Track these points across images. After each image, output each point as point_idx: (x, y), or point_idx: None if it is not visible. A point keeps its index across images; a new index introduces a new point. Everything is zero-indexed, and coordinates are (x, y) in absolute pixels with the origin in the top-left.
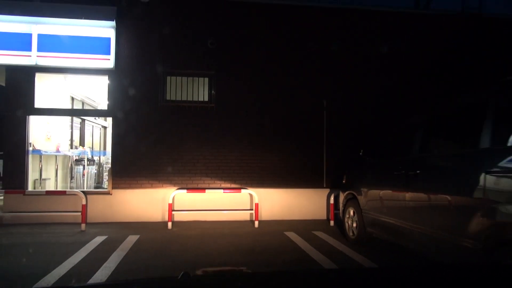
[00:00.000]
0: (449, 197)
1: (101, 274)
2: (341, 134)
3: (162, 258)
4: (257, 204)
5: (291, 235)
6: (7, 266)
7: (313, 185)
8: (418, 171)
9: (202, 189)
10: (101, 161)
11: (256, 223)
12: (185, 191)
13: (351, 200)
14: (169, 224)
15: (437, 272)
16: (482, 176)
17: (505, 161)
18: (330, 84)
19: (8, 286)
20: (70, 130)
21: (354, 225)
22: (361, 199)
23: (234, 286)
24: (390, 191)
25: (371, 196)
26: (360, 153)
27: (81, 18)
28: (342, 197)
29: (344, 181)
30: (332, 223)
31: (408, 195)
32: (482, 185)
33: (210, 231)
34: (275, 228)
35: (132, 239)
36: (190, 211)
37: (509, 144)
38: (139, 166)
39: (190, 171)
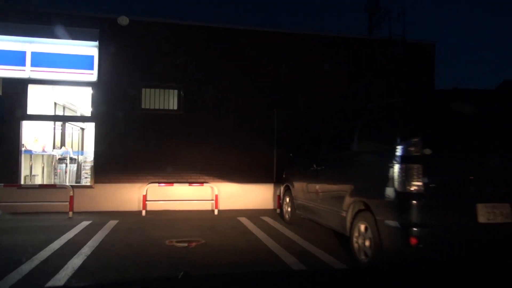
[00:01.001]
0: (337, 185)
1: (91, 245)
2: (287, 137)
3: (138, 234)
4: (217, 195)
5: (243, 219)
6: (18, 241)
7: (265, 180)
8: (323, 167)
9: (171, 183)
10: (79, 160)
11: (216, 211)
12: (157, 184)
13: (287, 191)
14: (143, 211)
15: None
16: (351, 170)
17: (364, 160)
18: (280, 96)
19: (25, 251)
20: (53, 132)
21: (289, 209)
22: (293, 189)
23: (234, 287)
24: (308, 182)
25: (298, 186)
26: (291, 154)
27: (68, 39)
28: (281, 188)
29: (283, 176)
30: (278, 210)
31: (317, 184)
32: (350, 176)
33: (178, 217)
34: (231, 215)
35: (112, 222)
36: (161, 201)
37: (364, 150)
38: (119, 164)
39: (162, 168)
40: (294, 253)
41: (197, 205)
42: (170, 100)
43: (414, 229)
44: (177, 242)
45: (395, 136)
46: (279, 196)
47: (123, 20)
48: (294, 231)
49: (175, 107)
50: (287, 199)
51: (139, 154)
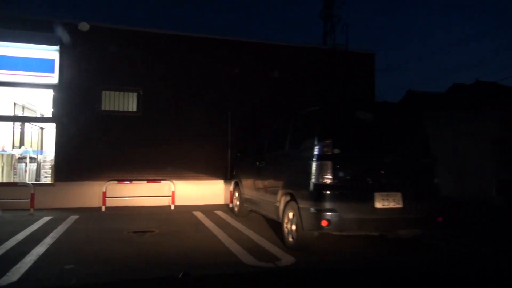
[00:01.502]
0: (273, 180)
1: (53, 236)
2: (240, 137)
3: (97, 226)
4: (173, 191)
5: (197, 213)
6: None
7: (220, 177)
8: (263, 164)
9: (130, 181)
10: (39, 160)
11: (173, 206)
12: (116, 182)
13: (236, 186)
14: (103, 207)
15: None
16: (283, 167)
17: (291, 158)
18: (234, 99)
19: None
20: (12, 132)
21: (238, 203)
22: (241, 185)
23: (234, 286)
24: (252, 178)
25: (244, 182)
26: (238, 154)
27: (30, 43)
28: (232, 184)
29: (233, 173)
30: (231, 205)
31: (259, 180)
32: (282, 172)
33: (136, 211)
34: (187, 210)
35: (73, 217)
36: (121, 198)
37: (298, 148)
38: (79, 163)
39: (121, 167)
40: (237, 240)
41: (155, 201)
42: (129, 102)
43: (325, 213)
44: (134, 232)
45: (313, 138)
46: (231, 191)
47: (84, 26)
48: (241, 222)
49: (134, 109)
50: (236, 194)
51: (99, 153)
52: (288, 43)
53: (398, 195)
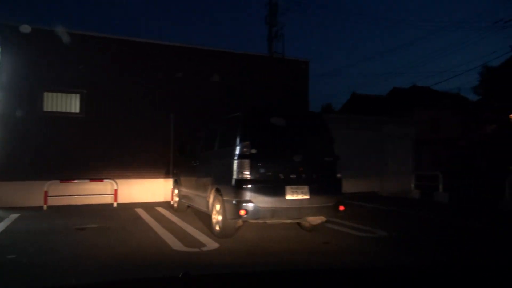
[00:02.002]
0: (204, 177)
1: None
2: (183, 136)
3: (39, 223)
4: (116, 190)
5: (139, 210)
6: None
7: (163, 176)
8: (198, 163)
9: (72, 180)
10: None
11: (115, 203)
12: (59, 181)
13: (176, 184)
14: (45, 206)
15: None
16: (212, 165)
17: (218, 157)
18: (177, 102)
19: None
20: None
21: (177, 199)
22: (179, 182)
23: (234, 286)
24: (188, 176)
25: (182, 179)
26: (177, 154)
27: None
28: (172, 182)
29: (174, 171)
30: (171, 202)
31: (194, 177)
32: (211, 169)
33: (79, 210)
34: (129, 207)
35: (14, 216)
36: (63, 196)
37: (224, 148)
38: (22, 163)
39: (65, 167)
40: (172, 231)
41: (98, 199)
42: (72, 104)
43: (244, 204)
44: (74, 228)
45: (235, 139)
46: (172, 189)
47: (25, 28)
48: (178, 216)
49: (78, 110)
50: (176, 191)
51: (42, 153)
52: (229, 49)
53: (306, 188)
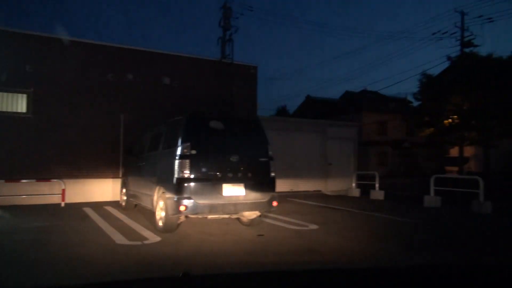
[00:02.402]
0: (150, 176)
1: None
2: (133, 138)
3: None
4: (64, 189)
5: (87, 209)
6: None
7: (112, 175)
8: (144, 163)
9: (18, 180)
10: None
11: (63, 203)
12: (3, 181)
13: (124, 183)
14: None
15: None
16: (157, 164)
17: (162, 157)
18: (127, 103)
19: None
20: None
21: (125, 198)
22: (127, 182)
23: (234, 286)
24: (136, 175)
25: (130, 179)
26: (126, 154)
27: None
28: (121, 181)
29: (122, 171)
30: (120, 201)
31: (141, 176)
32: (156, 168)
33: (26, 209)
34: (77, 206)
35: None
36: (9, 196)
37: (167, 149)
38: None
39: (11, 167)
40: (117, 228)
41: (46, 199)
42: (19, 103)
43: (183, 200)
44: (21, 226)
45: (177, 141)
46: (121, 188)
47: None
48: (126, 214)
49: (24, 110)
50: (124, 190)
51: None
52: (180, 53)
53: (242, 186)
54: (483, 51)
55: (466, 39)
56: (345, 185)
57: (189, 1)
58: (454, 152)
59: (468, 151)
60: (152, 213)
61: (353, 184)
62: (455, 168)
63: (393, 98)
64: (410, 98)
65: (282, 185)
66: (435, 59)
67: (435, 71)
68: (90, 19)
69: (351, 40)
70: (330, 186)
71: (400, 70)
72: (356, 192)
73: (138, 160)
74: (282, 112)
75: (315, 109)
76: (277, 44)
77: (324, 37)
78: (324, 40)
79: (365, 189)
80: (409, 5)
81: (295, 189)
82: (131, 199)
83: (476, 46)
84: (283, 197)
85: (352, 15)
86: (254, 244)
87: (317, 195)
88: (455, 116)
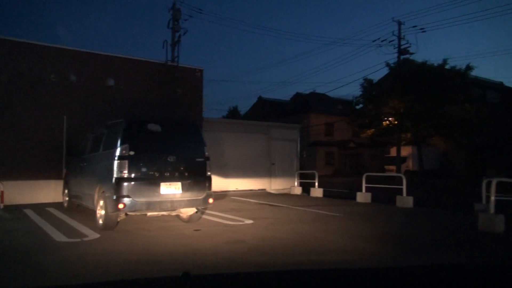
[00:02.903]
0: (91, 176)
1: None
2: (76, 139)
3: None
4: (2, 191)
5: (27, 210)
6: None
7: (55, 177)
8: (85, 164)
9: None
10: None
11: (2, 205)
12: None
13: (66, 184)
14: None
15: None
16: (97, 165)
17: (102, 158)
18: (70, 104)
19: None
20: None
21: (67, 199)
22: (69, 182)
23: (234, 286)
24: (77, 176)
25: (72, 180)
26: (68, 155)
27: None
28: (63, 182)
29: (65, 172)
30: (63, 201)
31: (82, 177)
32: (96, 169)
33: None
34: (18, 208)
35: None
36: None
37: (107, 150)
38: None
39: None
40: (58, 227)
41: None
42: None
43: (122, 198)
44: None
45: (116, 143)
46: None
47: None
48: (67, 214)
49: None
50: (66, 191)
51: None
52: (126, 55)
53: (179, 184)
54: (418, 58)
55: (402, 47)
56: (288, 184)
57: (138, 2)
58: (394, 152)
59: (407, 150)
60: (93, 212)
61: (295, 183)
62: (394, 167)
63: (340, 100)
64: (355, 100)
65: (227, 184)
66: (377, 64)
67: (379, 75)
68: (35, 19)
69: (301, 44)
70: (274, 185)
71: (347, 74)
72: (298, 190)
73: (80, 161)
74: (233, 112)
75: (267, 110)
76: (229, 46)
77: (274, 40)
78: (274, 43)
79: (307, 187)
80: (354, 12)
81: (240, 188)
82: (73, 200)
83: (412, 53)
84: (227, 196)
85: (301, 20)
86: (189, 238)
87: (261, 194)
88: (392, 119)
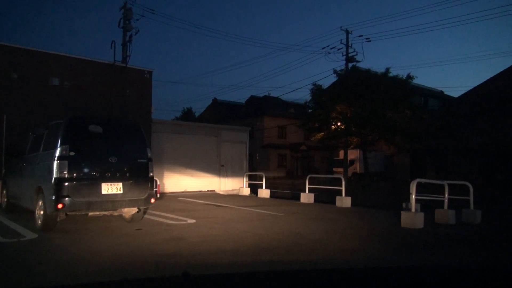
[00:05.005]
0: (30, 177)
1: None
2: (16, 139)
3: None
4: None
5: None
6: None
7: None
8: (25, 164)
9: None
10: None
11: None
12: None
13: (4, 184)
14: None
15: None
16: (37, 165)
17: (42, 158)
18: (11, 103)
19: None
20: None
21: (5, 199)
22: (8, 183)
23: (234, 286)
24: (16, 176)
25: (11, 180)
26: (6, 156)
27: None
28: (1, 182)
29: (3, 172)
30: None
31: (21, 177)
32: (36, 169)
33: None
34: None
35: None
36: None
37: (47, 151)
38: None
39: None
40: None
41: None
42: None
43: (61, 198)
44: None
45: (56, 143)
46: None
47: None
48: (5, 216)
49: None
50: (4, 192)
51: None
52: (72, 55)
53: (120, 184)
54: (364, 66)
55: (350, 54)
56: (238, 185)
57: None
58: (342, 155)
59: (355, 154)
60: (32, 213)
61: (244, 184)
62: (341, 169)
63: (293, 104)
64: (305, 105)
65: (176, 186)
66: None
67: (329, 80)
68: None
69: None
70: (224, 186)
71: (299, 78)
72: (246, 191)
73: (19, 161)
74: (187, 114)
75: (222, 112)
76: (184, 48)
77: (230, 45)
78: (230, 47)
79: (256, 188)
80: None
81: (190, 190)
82: (11, 200)
83: (358, 61)
84: (176, 197)
85: (256, 26)
86: (129, 237)
87: (210, 195)
88: (340, 123)
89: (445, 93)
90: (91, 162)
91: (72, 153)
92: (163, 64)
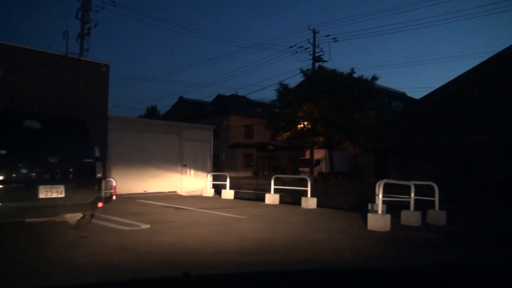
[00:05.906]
0: None
1: None
2: None
3: None
4: None
5: None
6: None
7: None
8: None
9: None
10: None
11: None
12: None
13: None
14: None
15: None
16: None
17: None
18: None
19: None
20: None
21: None
22: None
23: (233, 286)
24: None
25: None
26: None
27: None
28: None
29: None
30: None
31: None
32: None
33: None
34: None
35: None
36: None
37: None
38: None
39: None
40: None
41: None
42: None
43: None
44: None
45: None
46: None
47: None
48: None
49: None
50: None
51: None
52: (19, 44)
53: (62, 187)
54: (331, 66)
55: (317, 54)
56: (201, 185)
57: None
58: (308, 154)
59: (321, 153)
60: None
61: (208, 185)
62: (308, 169)
63: (260, 103)
64: (272, 104)
65: (134, 187)
66: (295, 69)
67: (296, 80)
68: None
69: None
70: (186, 187)
71: (266, 77)
72: (209, 192)
73: None
74: (152, 112)
75: (188, 110)
76: (148, 44)
77: (196, 41)
78: (196, 44)
79: (220, 189)
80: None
81: (150, 191)
82: None
83: (325, 61)
84: (134, 199)
85: (222, 23)
86: (69, 246)
87: (171, 196)
88: (306, 122)
89: (407, 94)
90: (27, 162)
91: (3, 152)
92: (127, 60)
